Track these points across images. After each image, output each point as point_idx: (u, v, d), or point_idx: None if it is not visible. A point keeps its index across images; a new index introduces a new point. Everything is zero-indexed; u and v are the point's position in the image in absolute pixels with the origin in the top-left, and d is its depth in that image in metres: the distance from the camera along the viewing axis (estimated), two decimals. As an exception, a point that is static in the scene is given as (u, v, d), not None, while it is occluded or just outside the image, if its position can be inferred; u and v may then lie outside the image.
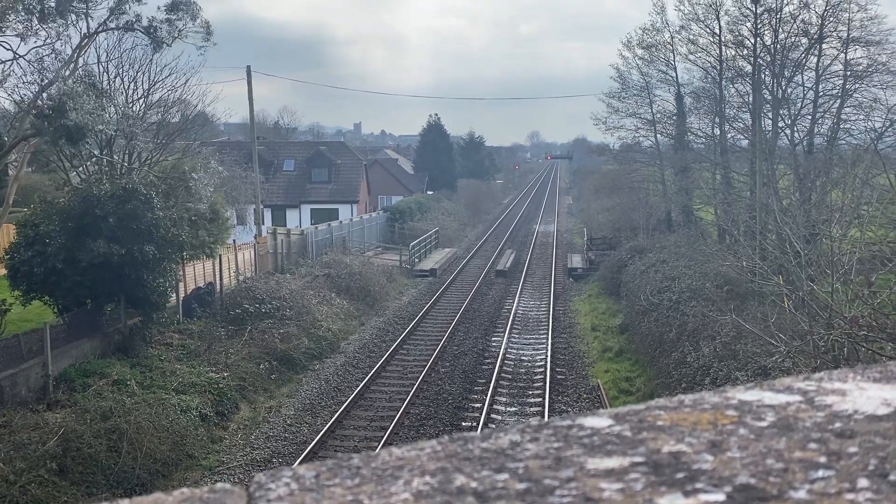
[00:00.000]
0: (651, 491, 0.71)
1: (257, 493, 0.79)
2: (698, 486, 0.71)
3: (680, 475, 0.74)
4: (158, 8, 21.53)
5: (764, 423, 0.88)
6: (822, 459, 0.75)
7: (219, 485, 0.83)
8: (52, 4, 18.72)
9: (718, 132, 33.42)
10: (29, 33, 18.71)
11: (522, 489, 0.74)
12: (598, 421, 0.94)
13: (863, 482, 0.70)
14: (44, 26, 18.70)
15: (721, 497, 0.69)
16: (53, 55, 19.60)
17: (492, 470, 0.80)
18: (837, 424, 0.85)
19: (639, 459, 0.79)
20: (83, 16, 19.93)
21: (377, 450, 0.91)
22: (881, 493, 0.67)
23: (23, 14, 18.12)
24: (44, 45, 19.06)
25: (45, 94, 17.90)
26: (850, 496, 0.67)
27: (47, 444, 13.39)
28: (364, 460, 0.87)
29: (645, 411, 0.97)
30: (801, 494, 0.68)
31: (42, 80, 18.84)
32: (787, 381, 1.07)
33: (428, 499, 0.73)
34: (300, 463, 10.69)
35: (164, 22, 21.14)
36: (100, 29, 20.76)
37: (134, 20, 20.81)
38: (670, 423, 0.91)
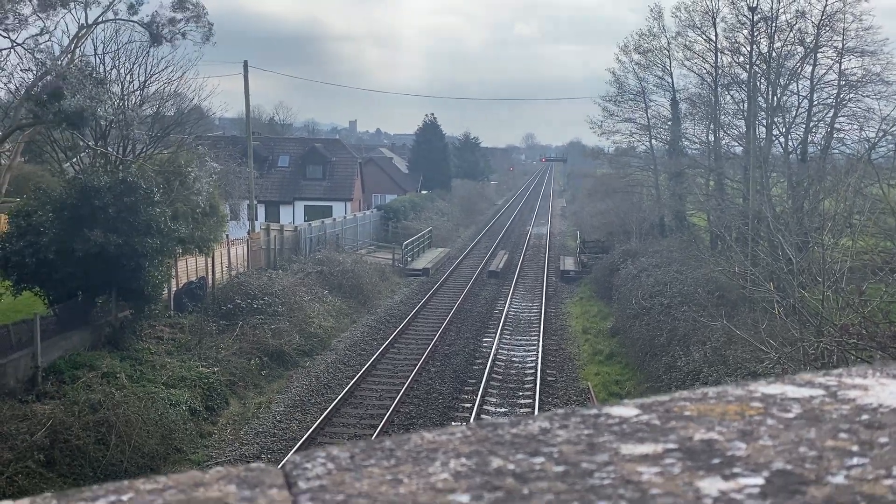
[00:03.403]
0: (690, 475, 0.72)
1: (294, 472, 0.80)
2: (735, 470, 0.72)
3: (716, 461, 0.75)
4: (161, 4, 21.51)
5: (791, 415, 0.89)
6: (855, 448, 0.77)
7: (254, 464, 0.84)
8: None
9: (713, 138, 33.58)
10: (27, 22, 18.62)
11: (561, 471, 0.75)
12: (625, 410, 0.95)
13: (898, 470, 0.71)
14: (43, 15, 18.60)
15: (760, 481, 0.70)
16: (51, 43, 19.53)
17: (526, 454, 0.81)
18: (864, 416, 0.86)
19: (672, 446, 0.80)
20: (83, 5, 19.85)
21: (407, 434, 0.92)
22: (917, 480, 0.69)
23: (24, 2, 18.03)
24: (41, 33, 18.96)
25: (42, 83, 17.80)
26: (887, 482, 0.68)
27: (35, 435, 13.31)
28: (396, 443, 0.87)
29: (670, 402, 0.99)
30: (840, 479, 0.69)
31: (39, 69, 18.73)
32: (807, 376, 1.09)
33: (467, 479, 0.74)
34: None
35: (168, 22, 21.14)
36: (99, 20, 20.69)
37: (131, 6, 20.76)
38: (697, 413, 0.92)
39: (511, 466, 0.77)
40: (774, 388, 1.02)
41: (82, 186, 17.63)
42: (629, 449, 0.80)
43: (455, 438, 0.88)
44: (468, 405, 18.08)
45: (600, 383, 20.14)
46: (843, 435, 0.80)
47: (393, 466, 0.79)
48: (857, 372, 1.09)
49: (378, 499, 0.71)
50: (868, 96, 28.72)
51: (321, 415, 16.91)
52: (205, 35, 22.50)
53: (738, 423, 0.87)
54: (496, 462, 0.79)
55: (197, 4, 21.80)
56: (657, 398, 1.02)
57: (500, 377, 20.51)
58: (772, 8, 29.46)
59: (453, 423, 1.13)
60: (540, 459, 0.79)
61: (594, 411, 0.97)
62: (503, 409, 18.08)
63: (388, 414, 16.93)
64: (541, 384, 19.55)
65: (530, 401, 18.48)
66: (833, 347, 12.47)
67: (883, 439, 0.78)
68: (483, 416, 17.56)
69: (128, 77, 23.48)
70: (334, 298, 27.24)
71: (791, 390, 1.01)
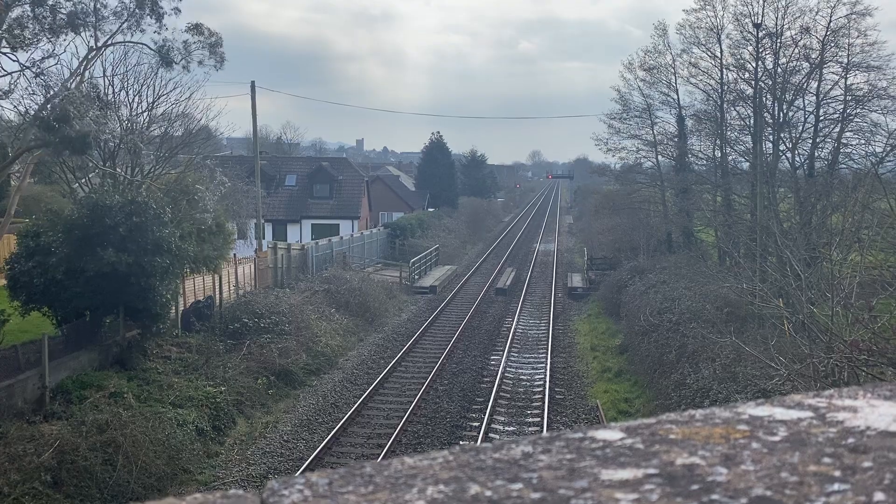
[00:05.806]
0: (667, 502, 0.71)
1: (271, 500, 0.79)
2: (714, 497, 0.71)
3: (695, 487, 0.74)
4: (172, 29, 21.75)
5: (776, 438, 0.88)
6: (837, 473, 0.75)
7: (231, 490, 0.83)
8: (64, 17, 18.87)
9: (719, 154, 33.56)
10: (36, 45, 18.85)
11: (538, 498, 0.74)
12: (610, 434, 0.94)
13: (879, 496, 0.70)
14: (53, 39, 18.83)
15: None
16: (59, 66, 19.78)
17: (505, 480, 0.80)
18: (850, 440, 0.85)
19: (653, 471, 0.79)
20: (92, 29, 20.10)
21: (388, 459, 0.91)
22: (898, 506, 0.67)
23: (33, 26, 18.26)
24: (50, 56, 19.19)
25: (49, 106, 17.98)
26: (866, 509, 0.67)
27: (42, 456, 13.30)
28: (376, 468, 0.87)
29: (656, 425, 0.97)
30: (818, 507, 0.68)
31: (47, 92, 18.95)
32: (797, 397, 1.08)
33: None
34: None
35: (182, 45, 21.40)
36: (108, 42, 20.93)
37: (138, 28, 21.02)
38: (682, 436, 0.91)
39: (488, 493, 0.76)
40: (762, 410, 1.00)
41: (94, 205, 17.74)
42: (609, 474, 0.79)
43: (436, 464, 0.87)
44: (476, 424, 17.98)
45: (609, 401, 20.00)
46: (826, 459, 0.79)
47: (370, 493, 0.78)
48: (847, 393, 1.07)
49: None
50: (874, 111, 28.68)
51: (328, 434, 16.84)
52: (217, 60, 22.74)
53: (721, 447, 0.85)
54: (474, 489, 0.78)
55: (213, 33, 22.06)
56: (644, 421, 1.01)
57: (509, 395, 20.39)
58: (776, 24, 29.57)
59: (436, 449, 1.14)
60: (518, 486, 0.78)
61: (579, 435, 0.96)
62: (511, 428, 17.97)
63: (395, 433, 16.84)
64: (549, 402, 19.43)
65: (539, 419, 18.36)
66: (843, 364, 12.36)
67: (866, 464, 0.77)
68: (491, 434, 17.46)
69: (136, 98, 23.73)
70: (341, 317, 27.22)
71: (779, 412, 1.00)
